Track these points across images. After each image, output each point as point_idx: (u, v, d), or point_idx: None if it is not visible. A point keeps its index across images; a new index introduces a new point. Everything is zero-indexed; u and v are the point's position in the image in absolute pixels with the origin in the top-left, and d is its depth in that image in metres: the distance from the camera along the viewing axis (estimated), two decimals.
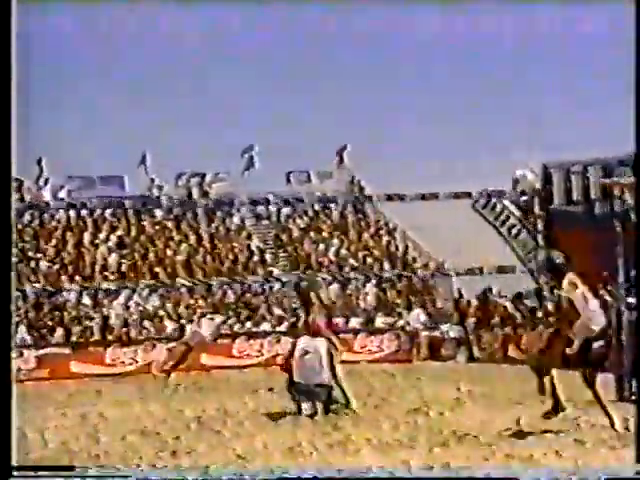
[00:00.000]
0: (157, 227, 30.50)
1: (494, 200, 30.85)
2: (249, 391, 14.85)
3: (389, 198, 31.03)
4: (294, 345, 11.52)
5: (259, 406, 12.42)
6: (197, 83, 43.43)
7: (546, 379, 8.54)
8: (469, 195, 30.79)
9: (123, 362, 21.46)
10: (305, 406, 10.75)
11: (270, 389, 15.31)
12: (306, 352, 11.14)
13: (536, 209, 30.29)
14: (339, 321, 26.03)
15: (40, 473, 7.91)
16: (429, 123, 42.07)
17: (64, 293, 26.14)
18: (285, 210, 31.61)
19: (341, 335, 22.92)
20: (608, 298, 19.62)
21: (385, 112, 42.45)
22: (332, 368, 11.01)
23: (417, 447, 8.25)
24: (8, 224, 7.50)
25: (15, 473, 7.50)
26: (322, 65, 39.22)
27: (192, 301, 26.35)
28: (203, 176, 32.23)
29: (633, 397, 11.33)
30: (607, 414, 8.42)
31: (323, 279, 27.17)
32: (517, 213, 30.77)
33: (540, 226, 28.51)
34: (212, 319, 22.14)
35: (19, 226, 27.51)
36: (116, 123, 40.80)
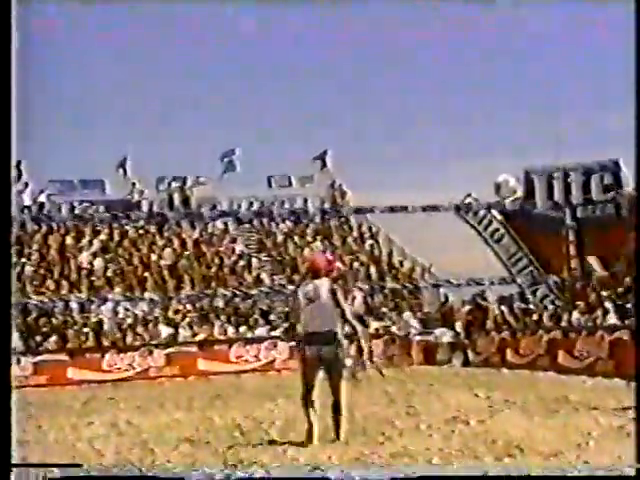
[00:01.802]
0: (140, 231, 30.44)
1: (477, 205, 31.19)
2: (266, 398, 14.86)
3: (370, 210, 31.23)
4: (295, 297, 9.55)
5: (288, 414, 12.44)
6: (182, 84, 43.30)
7: None
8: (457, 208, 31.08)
9: (119, 368, 21.41)
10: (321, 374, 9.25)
11: (287, 396, 15.38)
12: (309, 300, 9.24)
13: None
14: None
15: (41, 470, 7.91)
16: (414, 125, 42.39)
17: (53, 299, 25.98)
18: (267, 214, 31.72)
19: None
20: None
21: (369, 114, 42.76)
22: (339, 307, 9.19)
23: (482, 457, 8.35)
24: (8, 225, 7.46)
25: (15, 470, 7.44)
26: (306, 67, 39.48)
27: (180, 306, 26.31)
28: (184, 180, 32.22)
29: None
30: None
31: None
32: (499, 218, 31.16)
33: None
34: None
35: None
36: (99, 126, 40.65)
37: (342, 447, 9.17)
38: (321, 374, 9.40)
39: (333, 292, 9.18)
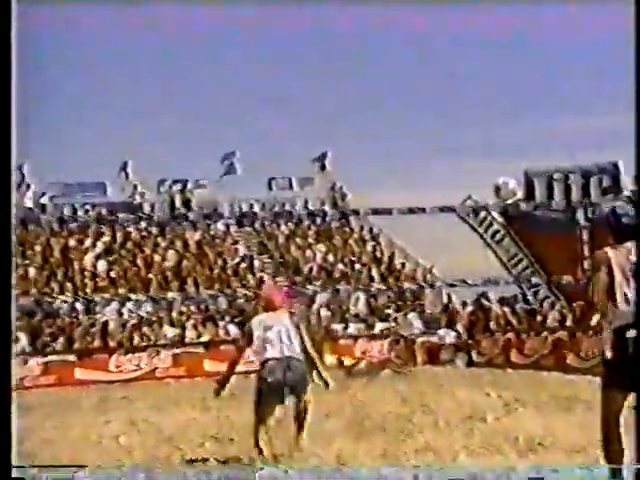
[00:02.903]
0: (143, 233, 30.56)
1: (477, 206, 31.46)
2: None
3: (375, 212, 31.57)
4: (249, 331, 9.05)
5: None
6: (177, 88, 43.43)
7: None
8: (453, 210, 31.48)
9: (127, 369, 21.55)
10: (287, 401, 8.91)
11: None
12: (269, 327, 8.82)
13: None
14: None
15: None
16: (414, 125, 42.55)
17: (57, 301, 26.12)
18: (269, 216, 31.91)
19: (341, 341, 23.38)
20: None
21: (369, 114, 42.96)
22: (303, 342, 8.79)
23: (507, 454, 8.52)
24: (8, 227, 7.56)
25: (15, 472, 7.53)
26: (304, 73, 39.72)
27: (184, 308, 26.44)
28: (185, 183, 32.40)
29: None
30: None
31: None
32: (500, 219, 31.39)
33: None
34: None
35: None
36: (101, 128, 40.78)
37: (366, 444, 9.34)
38: (280, 403, 9.02)
39: (298, 327, 8.85)
